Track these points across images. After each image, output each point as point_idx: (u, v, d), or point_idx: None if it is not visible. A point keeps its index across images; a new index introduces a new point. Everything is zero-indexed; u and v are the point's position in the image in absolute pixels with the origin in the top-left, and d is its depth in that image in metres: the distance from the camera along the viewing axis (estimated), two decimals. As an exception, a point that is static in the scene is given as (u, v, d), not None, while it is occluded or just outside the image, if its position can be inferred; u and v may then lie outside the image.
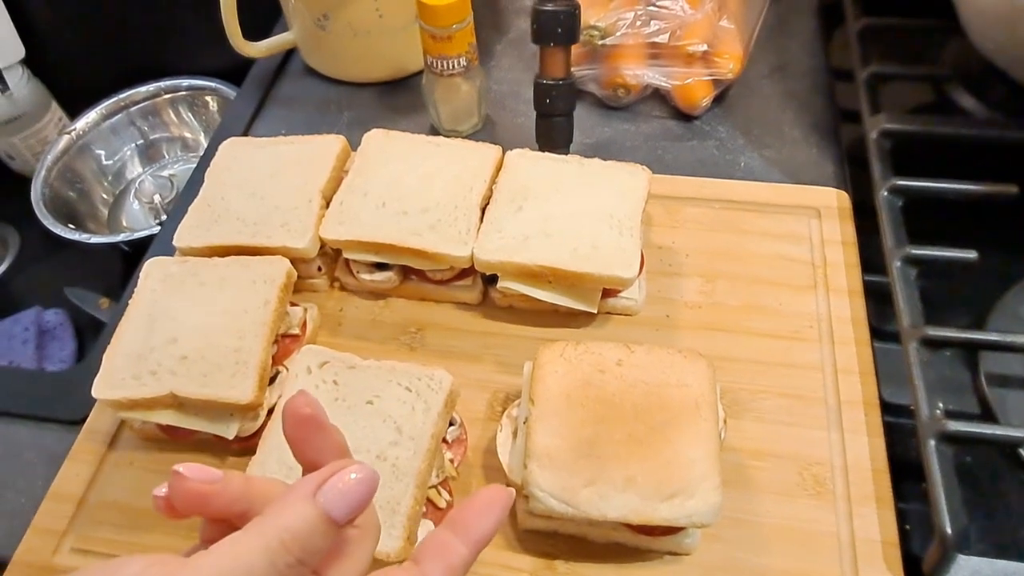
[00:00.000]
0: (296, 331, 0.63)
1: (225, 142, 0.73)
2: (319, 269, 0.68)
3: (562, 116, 0.73)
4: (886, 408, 0.60)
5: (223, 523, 0.32)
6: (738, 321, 0.65)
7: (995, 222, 0.65)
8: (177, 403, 0.57)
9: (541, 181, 0.66)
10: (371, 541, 0.33)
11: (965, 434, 0.53)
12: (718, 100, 0.83)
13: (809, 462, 0.57)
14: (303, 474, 0.33)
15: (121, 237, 0.96)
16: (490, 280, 0.66)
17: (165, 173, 1.11)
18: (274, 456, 0.53)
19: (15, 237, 1.10)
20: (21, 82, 1.06)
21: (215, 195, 0.68)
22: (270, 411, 0.58)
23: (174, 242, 0.66)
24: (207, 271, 0.62)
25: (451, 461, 0.57)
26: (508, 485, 0.56)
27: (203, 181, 0.70)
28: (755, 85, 0.85)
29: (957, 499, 0.51)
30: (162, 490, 0.31)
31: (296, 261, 0.64)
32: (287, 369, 0.61)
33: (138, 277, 0.63)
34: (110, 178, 1.10)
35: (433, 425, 0.52)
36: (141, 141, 1.11)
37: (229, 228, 0.66)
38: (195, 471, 0.31)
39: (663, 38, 0.77)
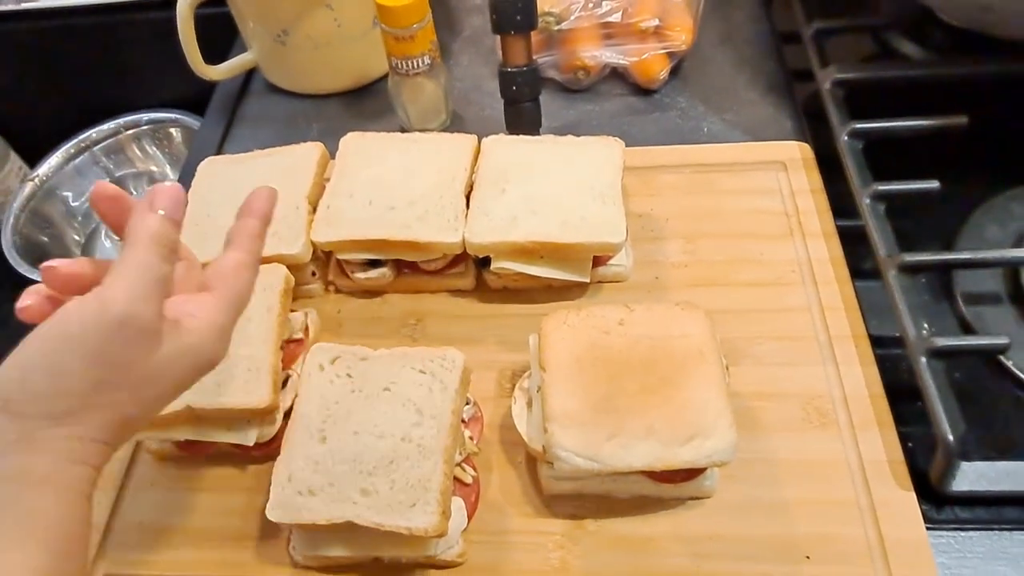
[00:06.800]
0: (299, 335, 0.64)
1: (203, 162, 0.74)
2: (313, 274, 0.69)
3: (529, 101, 0.75)
4: (873, 341, 0.62)
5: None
6: (724, 275, 0.68)
7: (950, 154, 0.69)
8: (194, 417, 0.57)
9: (520, 163, 0.68)
10: (248, 272, 0.46)
11: (953, 347, 0.56)
12: (674, 72, 0.86)
13: (810, 396, 0.60)
14: None
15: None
16: (483, 264, 0.67)
17: (134, 209, 1.11)
18: (299, 453, 0.54)
19: (-14, 292, 1.09)
20: (-24, 138, 1.06)
21: (201, 213, 0.69)
22: (286, 414, 0.59)
23: (166, 264, 0.66)
24: (205, 287, 0.63)
25: (470, 438, 0.58)
26: (529, 454, 0.58)
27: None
28: (707, 55, 0.88)
29: (954, 409, 0.53)
30: (25, 302, 0.41)
31: (290, 268, 0.65)
32: (296, 373, 0.62)
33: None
34: (80, 219, 1.10)
35: (452, 402, 0.54)
36: (107, 179, 1.11)
37: (219, 243, 0.66)
38: (62, 263, 0.42)
39: (616, 17, 0.80)
